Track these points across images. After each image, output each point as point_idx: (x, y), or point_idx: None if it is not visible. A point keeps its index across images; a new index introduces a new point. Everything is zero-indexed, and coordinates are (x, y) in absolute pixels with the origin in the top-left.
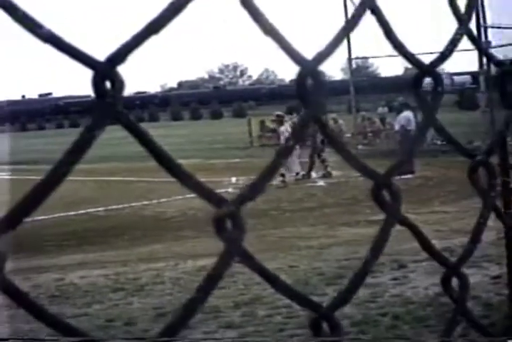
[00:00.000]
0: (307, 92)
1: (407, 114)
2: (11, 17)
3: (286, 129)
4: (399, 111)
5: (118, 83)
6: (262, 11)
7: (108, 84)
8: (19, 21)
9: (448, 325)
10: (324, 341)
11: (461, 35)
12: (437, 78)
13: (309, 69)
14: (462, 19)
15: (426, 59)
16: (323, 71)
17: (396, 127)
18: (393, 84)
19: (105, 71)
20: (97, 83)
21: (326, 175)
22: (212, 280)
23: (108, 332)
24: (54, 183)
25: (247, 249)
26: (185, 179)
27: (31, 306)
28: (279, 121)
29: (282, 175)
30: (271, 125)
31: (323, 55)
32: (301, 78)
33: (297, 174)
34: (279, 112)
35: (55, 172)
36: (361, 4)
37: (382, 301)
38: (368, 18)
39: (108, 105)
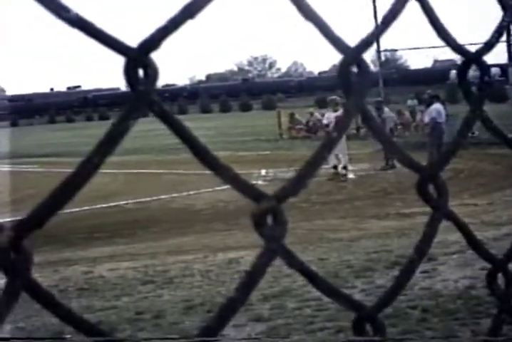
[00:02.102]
0: (351, 81)
1: (437, 106)
2: (35, 0)
3: (336, 116)
4: (429, 103)
5: (152, 71)
6: None
7: (141, 72)
8: (44, 4)
9: (494, 324)
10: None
11: (508, 23)
12: (484, 68)
13: (352, 57)
14: (507, 7)
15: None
16: (366, 60)
17: (426, 119)
18: (422, 76)
19: (138, 58)
20: (129, 71)
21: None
22: (253, 279)
23: (137, 325)
24: (85, 176)
25: (289, 247)
26: (223, 172)
27: (58, 309)
28: (336, 104)
29: (334, 167)
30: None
31: (367, 43)
32: (344, 66)
33: (335, 167)
34: (334, 97)
35: (86, 165)
36: None
37: (412, 294)
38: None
39: (141, 94)
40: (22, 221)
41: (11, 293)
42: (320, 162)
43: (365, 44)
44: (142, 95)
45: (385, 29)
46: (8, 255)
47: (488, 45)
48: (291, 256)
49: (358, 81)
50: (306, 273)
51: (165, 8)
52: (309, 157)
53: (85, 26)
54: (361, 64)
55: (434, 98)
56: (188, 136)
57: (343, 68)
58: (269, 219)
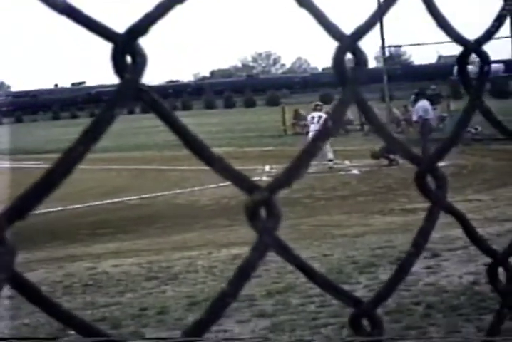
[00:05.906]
0: (346, 70)
1: (423, 104)
2: None
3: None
4: (415, 101)
5: (140, 57)
6: None
7: (128, 58)
8: None
9: (495, 320)
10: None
11: (508, 12)
12: (483, 57)
13: (347, 44)
14: None
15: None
16: (361, 47)
17: (414, 117)
18: (426, 72)
19: (125, 44)
20: (116, 57)
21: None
22: (245, 272)
23: (141, 321)
24: (70, 165)
25: (283, 239)
26: (214, 162)
27: (44, 303)
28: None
29: (330, 160)
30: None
31: (363, 30)
32: (339, 54)
33: (330, 160)
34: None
35: (71, 154)
36: None
37: (416, 290)
38: (402, 8)
39: (128, 81)
40: (3, 213)
41: None
42: (315, 153)
43: (361, 32)
44: (129, 83)
45: (381, 17)
46: None
47: (488, 34)
48: (285, 248)
49: (353, 69)
50: (302, 267)
51: None
52: (304, 146)
53: (73, 13)
54: (357, 52)
55: (419, 96)
56: (178, 126)
57: (338, 55)
58: (263, 212)
